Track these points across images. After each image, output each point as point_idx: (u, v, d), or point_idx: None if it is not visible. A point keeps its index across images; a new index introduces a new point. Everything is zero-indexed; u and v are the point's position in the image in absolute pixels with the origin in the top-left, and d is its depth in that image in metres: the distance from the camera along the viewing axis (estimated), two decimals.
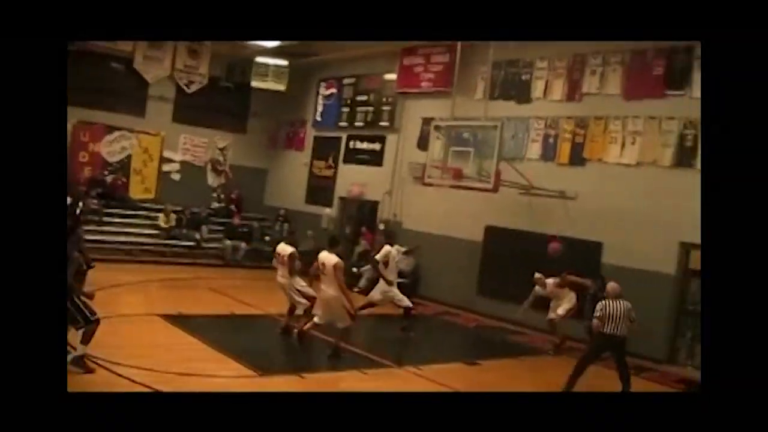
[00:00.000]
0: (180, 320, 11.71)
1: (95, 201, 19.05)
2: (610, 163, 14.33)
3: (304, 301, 11.59)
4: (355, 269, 17.66)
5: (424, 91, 18.20)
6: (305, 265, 12.17)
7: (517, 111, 16.07)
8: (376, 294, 13.26)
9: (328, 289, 10.75)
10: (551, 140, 15.45)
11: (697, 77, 13.02)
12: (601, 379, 10.41)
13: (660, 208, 13.26)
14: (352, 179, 20.58)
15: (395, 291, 13.17)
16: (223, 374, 9.07)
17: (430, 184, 15.24)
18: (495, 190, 13.74)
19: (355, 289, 16.35)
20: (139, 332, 10.55)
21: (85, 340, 8.22)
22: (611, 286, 10.50)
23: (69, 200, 14.82)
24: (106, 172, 20.51)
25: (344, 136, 21.17)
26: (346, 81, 21.15)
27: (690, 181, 12.93)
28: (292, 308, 12.04)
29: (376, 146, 19.98)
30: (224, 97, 22.33)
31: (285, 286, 11.77)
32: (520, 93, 16.16)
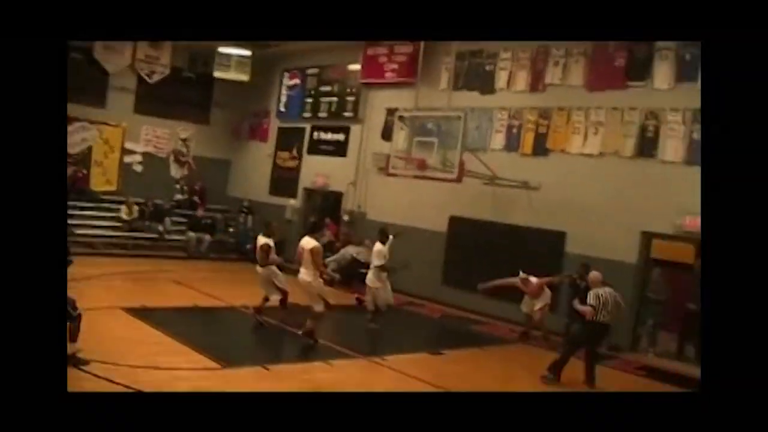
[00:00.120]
0: (143, 313, 11.60)
1: None
2: (573, 154, 14.45)
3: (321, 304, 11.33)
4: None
5: (388, 81, 18.19)
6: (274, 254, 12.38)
7: (481, 101, 16.12)
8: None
9: (305, 274, 10.93)
10: (515, 131, 15.53)
11: (658, 68, 13.21)
12: (602, 380, 10.48)
13: (622, 197, 13.42)
14: (316, 170, 20.52)
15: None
16: (187, 367, 9.00)
17: (395, 175, 15.24)
18: (459, 180, 13.79)
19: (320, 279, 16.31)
20: (102, 326, 10.42)
21: (72, 337, 8.15)
22: (594, 275, 10.72)
23: None
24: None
25: (308, 127, 21.10)
26: (309, 71, 21.06)
27: (651, 171, 13.13)
28: (265, 301, 12.27)
29: (340, 137, 19.94)
30: (186, 88, 22.13)
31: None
32: (484, 84, 16.20)
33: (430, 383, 9.71)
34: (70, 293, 8.43)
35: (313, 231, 11.74)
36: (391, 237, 13.15)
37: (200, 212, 20.80)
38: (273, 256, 12.24)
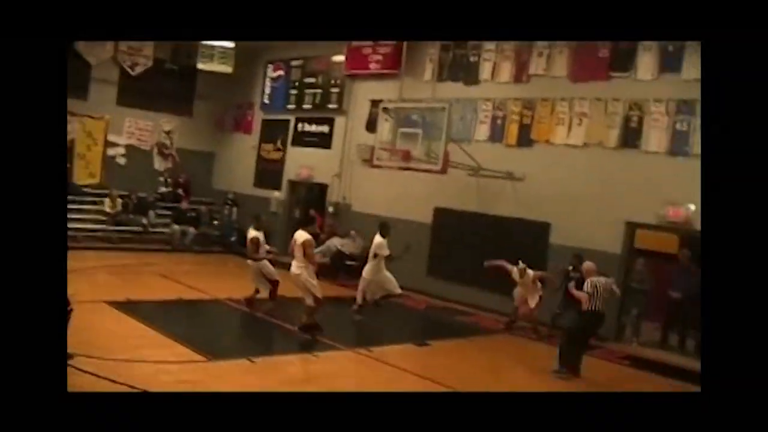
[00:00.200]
0: (128, 307, 11.56)
1: None
2: (557, 145, 14.48)
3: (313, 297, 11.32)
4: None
5: (373, 72, 18.15)
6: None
7: (466, 93, 16.12)
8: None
9: (296, 267, 11.01)
10: (499, 122, 15.54)
11: (641, 59, 13.25)
12: (586, 369, 10.52)
13: (606, 188, 13.47)
14: (300, 162, 20.47)
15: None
16: (172, 360, 8.97)
17: (379, 166, 15.22)
18: (443, 171, 13.79)
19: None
20: (86, 320, 10.36)
21: None
22: (588, 264, 10.81)
23: None
24: None
25: (292, 119, 21.04)
26: (293, 63, 20.98)
27: (635, 162, 13.19)
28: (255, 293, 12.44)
29: (325, 129, 19.90)
30: (169, 80, 21.98)
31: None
32: (468, 75, 16.20)
33: (416, 374, 9.74)
34: None
35: (306, 224, 11.78)
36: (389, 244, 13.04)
37: (184, 205, 20.72)
38: (263, 249, 12.33)
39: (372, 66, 18.14)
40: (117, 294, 12.37)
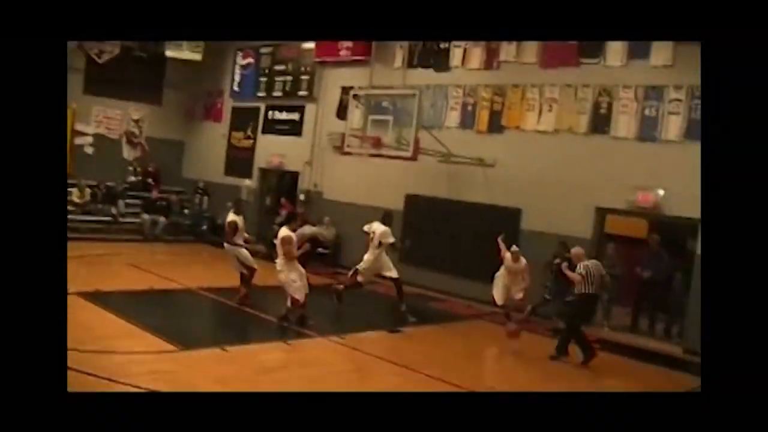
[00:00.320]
0: (97, 297, 11.44)
1: None
2: (527, 131, 14.55)
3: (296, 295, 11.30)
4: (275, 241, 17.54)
5: (343, 59, 18.09)
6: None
7: (436, 79, 16.13)
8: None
9: (278, 264, 11.16)
10: (470, 108, 15.57)
11: (610, 45, 13.33)
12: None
13: (576, 174, 13.56)
14: (271, 150, 20.39)
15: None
16: (143, 350, 8.91)
17: (350, 154, 15.22)
18: (414, 158, 13.81)
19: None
20: None
21: None
22: (577, 250, 10.90)
23: None
24: None
25: (263, 107, 20.94)
26: (263, 50, 20.85)
27: (604, 148, 13.29)
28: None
29: (295, 116, 19.83)
30: (138, 68, 21.71)
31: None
32: (439, 61, 16.20)
33: (389, 361, 9.76)
34: None
35: (288, 221, 11.81)
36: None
37: (155, 194, 20.53)
38: (241, 235, 12.39)
39: (342, 53, 18.08)
40: (86, 285, 12.21)
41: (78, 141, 20.86)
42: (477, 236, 14.50)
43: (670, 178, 12.44)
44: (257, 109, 21.07)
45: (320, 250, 16.84)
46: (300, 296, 11.04)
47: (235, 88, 21.92)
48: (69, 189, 19.24)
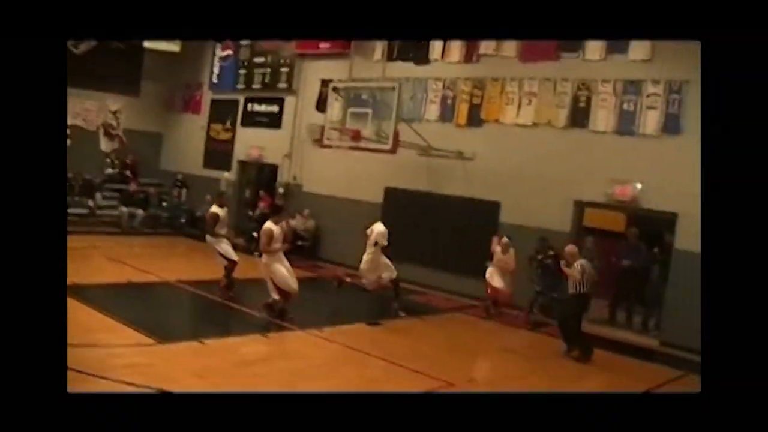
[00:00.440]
0: (75, 291, 11.31)
1: None
2: (506, 124, 14.59)
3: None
4: (255, 234, 17.50)
5: (323, 52, 18.04)
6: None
7: (416, 72, 16.12)
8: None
9: (263, 256, 11.14)
10: (449, 101, 15.59)
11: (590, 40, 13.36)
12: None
13: (555, 167, 13.61)
14: (250, 142, 20.32)
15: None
16: (122, 343, 8.86)
17: (329, 146, 15.19)
18: (393, 151, 13.80)
19: (256, 253, 16.23)
20: None
21: None
22: (570, 248, 10.94)
23: None
24: None
25: (242, 99, 20.85)
26: (242, 42, 20.72)
27: (583, 141, 13.35)
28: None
29: (275, 108, 19.76)
30: (115, 59, 21.46)
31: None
32: (419, 54, 16.18)
33: (369, 354, 9.78)
34: None
35: (274, 213, 11.80)
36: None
37: (132, 186, 20.39)
38: (222, 227, 12.43)
39: (322, 45, 18.03)
40: None
41: None
42: (456, 229, 14.54)
43: (648, 172, 12.54)
44: (236, 101, 20.97)
45: (299, 242, 16.83)
46: (290, 289, 11.07)
47: (214, 79, 21.79)
48: None
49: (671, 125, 12.36)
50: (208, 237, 12.52)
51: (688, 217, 11.80)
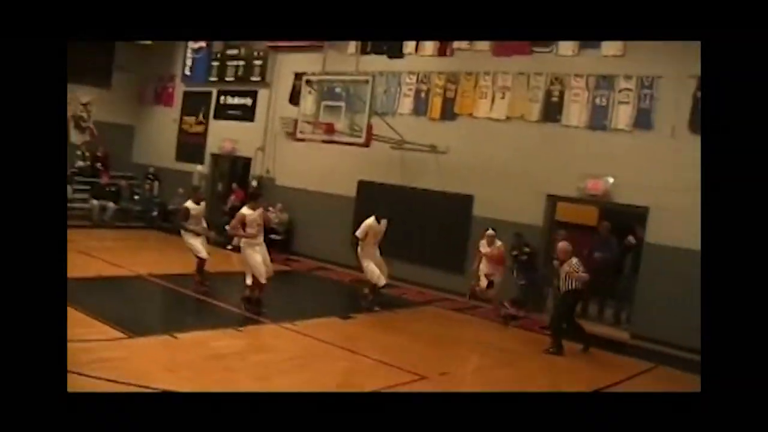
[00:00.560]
0: None
1: None
2: (480, 118, 14.63)
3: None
4: (226, 227, 17.42)
5: (296, 45, 17.94)
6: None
7: (389, 66, 16.12)
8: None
9: (242, 243, 11.33)
10: (423, 95, 15.61)
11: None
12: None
13: (528, 161, 13.69)
14: (223, 135, 20.21)
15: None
16: (93, 338, 8.77)
17: (302, 140, 15.14)
18: (367, 144, 13.80)
19: (228, 247, 16.20)
20: None
21: None
22: (563, 245, 11.03)
23: None
24: None
25: (215, 91, 20.72)
26: None
27: (556, 135, 13.42)
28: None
29: (248, 101, 19.67)
30: (86, 50, 21.18)
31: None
32: (392, 48, 16.17)
33: (340, 346, 9.78)
34: None
35: (252, 198, 11.82)
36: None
37: (104, 179, 20.22)
38: (193, 221, 12.39)
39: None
40: None
41: None
42: (430, 223, 14.55)
43: (620, 166, 12.64)
44: (209, 93, 20.84)
45: (273, 236, 16.76)
46: (259, 276, 11.03)
47: (187, 72, 21.63)
48: None
49: (643, 120, 12.48)
50: (182, 231, 12.49)
51: (659, 211, 11.93)
